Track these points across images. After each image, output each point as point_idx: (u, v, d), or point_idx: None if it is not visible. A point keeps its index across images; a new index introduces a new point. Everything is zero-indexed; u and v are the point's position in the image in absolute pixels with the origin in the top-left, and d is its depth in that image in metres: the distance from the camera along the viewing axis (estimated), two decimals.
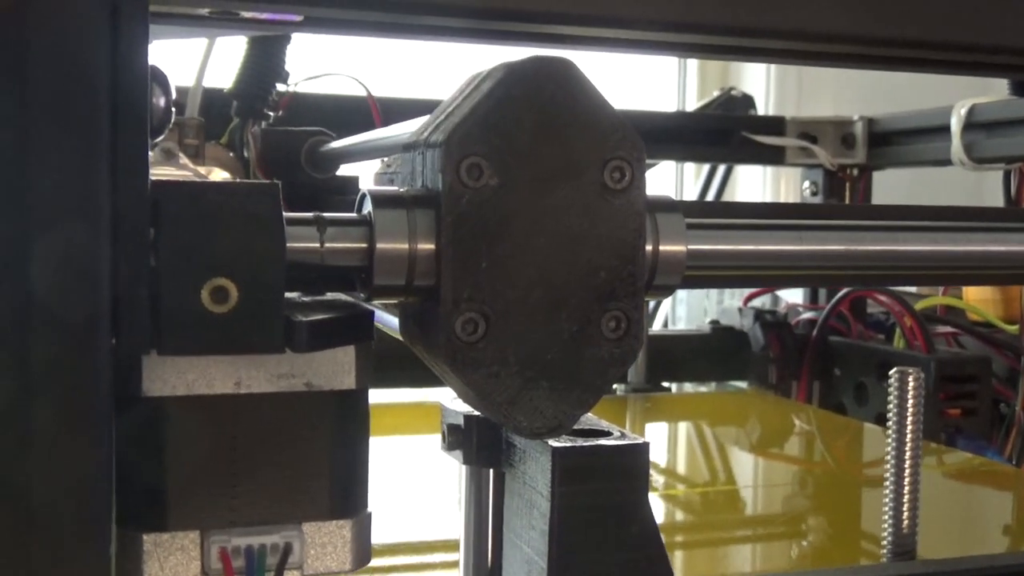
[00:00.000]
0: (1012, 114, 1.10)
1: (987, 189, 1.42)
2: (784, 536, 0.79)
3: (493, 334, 0.37)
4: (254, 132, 0.68)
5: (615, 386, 1.27)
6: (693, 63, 2.03)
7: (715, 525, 0.82)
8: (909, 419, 0.53)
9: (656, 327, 1.79)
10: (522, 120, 0.37)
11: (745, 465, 1.02)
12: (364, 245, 0.37)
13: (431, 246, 0.37)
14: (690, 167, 1.96)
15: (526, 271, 0.37)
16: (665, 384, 1.32)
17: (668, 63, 2.06)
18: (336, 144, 0.60)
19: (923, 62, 0.50)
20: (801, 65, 1.77)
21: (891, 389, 0.53)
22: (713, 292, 1.77)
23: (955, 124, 1.14)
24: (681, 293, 1.82)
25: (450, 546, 0.50)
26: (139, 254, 0.34)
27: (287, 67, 0.89)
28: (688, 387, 1.44)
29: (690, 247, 0.40)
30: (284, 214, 0.36)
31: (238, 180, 0.36)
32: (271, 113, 0.90)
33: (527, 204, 0.37)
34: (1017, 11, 0.48)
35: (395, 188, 0.40)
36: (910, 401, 0.52)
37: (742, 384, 1.33)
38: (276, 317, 0.35)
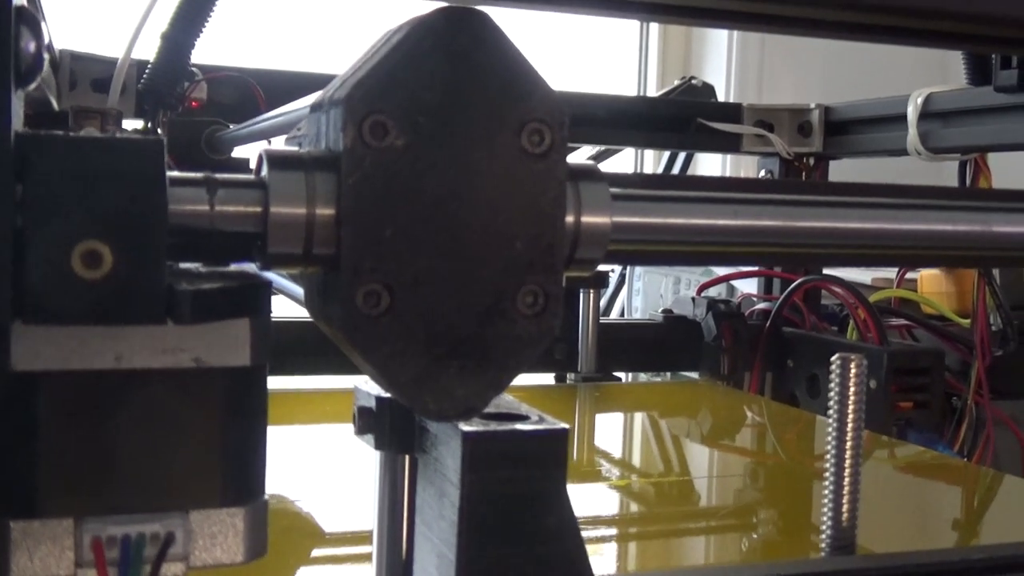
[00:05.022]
0: (968, 104, 1.08)
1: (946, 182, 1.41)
2: (732, 528, 0.78)
3: (398, 307, 0.34)
4: (164, 122, 0.77)
5: (567, 375, 1.24)
6: (654, 51, 2.00)
7: (663, 516, 0.80)
8: (851, 407, 0.51)
9: (613, 315, 1.77)
10: (432, 76, 0.34)
11: (695, 456, 1.01)
12: (258, 209, 0.34)
13: (331, 211, 0.34)
14: (650, 156, 1.94)
15: (435, 240, 0.35)
16: (616, 374, 1.29)
17: (629, 50, 2.04)
18: (229, 131, 0.66)
19: (884, 30, 0.47)
20: (760, 32, 1.74)
21: (832, 375, 0.51)
22: (670, 282, 1.75)
23: (911, 113, 1.12)
24: (638, 283, 1.80)
25: (365, 537, 0.47)
26: (2, 212, 0.31)
27: (191, 67, 1.03)
28: (641, 377, 1.42)
29: (615, 219, 0.38)
30: (169, 173, 0.33)
31: (118, 135, 0.33)
32: (179, 105, 1.01)
33: (437, 167, 0.34)
34: None
35: (295, 149, 0.37)
36: (852, 388, 0.50)
37: (694, 374, 1.31)
38: (156, 284, 0.32)
